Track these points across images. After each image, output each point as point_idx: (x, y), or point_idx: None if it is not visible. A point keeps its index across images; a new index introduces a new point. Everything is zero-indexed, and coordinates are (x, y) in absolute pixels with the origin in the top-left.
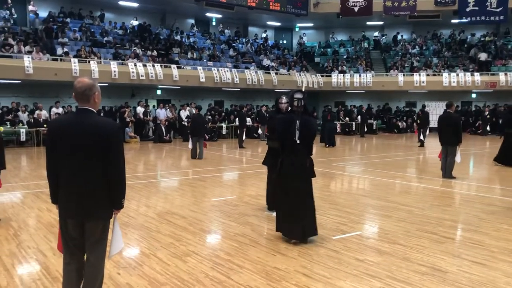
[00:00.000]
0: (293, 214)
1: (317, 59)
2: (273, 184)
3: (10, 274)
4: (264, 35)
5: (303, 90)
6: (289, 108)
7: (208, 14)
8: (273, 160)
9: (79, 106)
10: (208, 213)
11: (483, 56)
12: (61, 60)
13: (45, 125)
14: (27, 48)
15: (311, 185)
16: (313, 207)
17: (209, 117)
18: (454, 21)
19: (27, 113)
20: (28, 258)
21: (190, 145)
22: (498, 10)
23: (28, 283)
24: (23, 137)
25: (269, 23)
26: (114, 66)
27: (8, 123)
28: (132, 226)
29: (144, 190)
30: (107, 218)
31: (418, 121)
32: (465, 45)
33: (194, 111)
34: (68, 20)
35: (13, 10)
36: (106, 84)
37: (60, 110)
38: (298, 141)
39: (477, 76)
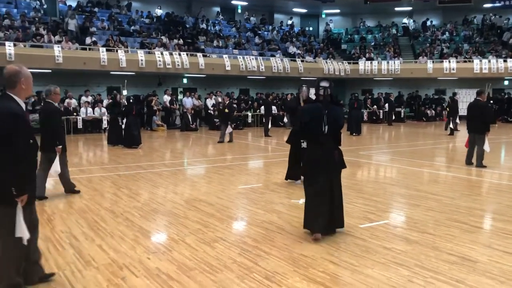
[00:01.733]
0: (320, 208)
1: (344, 46)
2: (294, 157)
3: (45, 257)
4: (290, 22)
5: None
6: (309, 96)
7: (233, 2)
8: (296, 139)
9: (5, 91)
10: (235, 200)
11: (507, 36)
12: (89, 49)
13: (74, 113)
14: (57, 37)
15: (339, 177)
16: (341, 200)
17: (235, 105)
18: (486, 5)
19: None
20: (61, 242)
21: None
22: None
23: (63, 266)
24: None
25: (295, 9)
26: (141, 55)
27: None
28: (160, 212)
29: (171, 177)
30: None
31: (448, 109)
32: (498, 31)
33: (219, 99)
34: (96, 9)
35: (43, 1)
36: (134, 73)
37: (90, 98)
38: (325, 132)
39: (510, 63)
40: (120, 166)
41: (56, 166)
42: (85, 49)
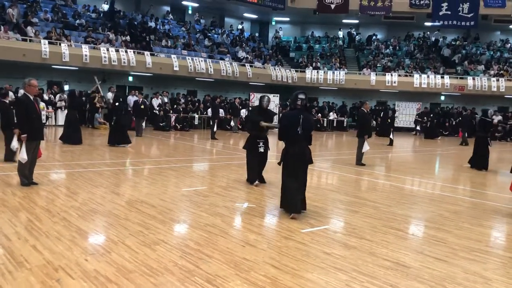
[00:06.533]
0: (295, 193)
1: (292, 54)
2: (251, 162)
3: None
4: (240, 26)
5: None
6: (268, 105)
7: (184, 2)
8: (252, 146)
9: None
10: (178, 202)
11: (446, 52)
12: (30, 41)
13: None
14: None
15: (307, 169)
16: (305, 188)
17: (181, 106)
18: (427, 23)
19: None
20: None
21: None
22: (469, 15)
23: None
24: None
25: (246, 15)
26: (85, 50)
27: None
28: (100, 212)
29: (112, 177)
30: None
31: (389, 120)
32: (437, 47)
33: (166, 99)
34: None
35: None
36: (77, 68)
37: None
38: (300, 132)
39: (447, 79)
40: (58, 164)
41: (22, 153)
42: (25, 40)
